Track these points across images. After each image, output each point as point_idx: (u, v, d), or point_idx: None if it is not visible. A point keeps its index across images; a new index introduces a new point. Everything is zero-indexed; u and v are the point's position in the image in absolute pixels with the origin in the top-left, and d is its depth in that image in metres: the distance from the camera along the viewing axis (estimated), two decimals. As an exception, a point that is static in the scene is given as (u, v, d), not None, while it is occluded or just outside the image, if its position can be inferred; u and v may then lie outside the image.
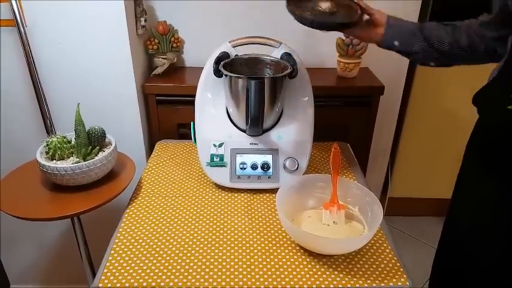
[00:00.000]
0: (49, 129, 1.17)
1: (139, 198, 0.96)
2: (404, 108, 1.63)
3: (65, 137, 0.96)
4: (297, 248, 0.81)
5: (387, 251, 0.80)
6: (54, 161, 0.95)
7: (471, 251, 0.83)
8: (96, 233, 1.25)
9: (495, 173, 0.76)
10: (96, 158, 0.93)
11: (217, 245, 0.81)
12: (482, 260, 0.81)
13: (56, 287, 1.59)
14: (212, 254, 0.79)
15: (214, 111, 1.01)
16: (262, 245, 0.81)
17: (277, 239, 0.83)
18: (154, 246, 0.81)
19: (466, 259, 0.85)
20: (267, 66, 1.01)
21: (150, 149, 1.32)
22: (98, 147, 0.97)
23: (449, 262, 0.92)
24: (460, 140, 0.91)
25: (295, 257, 0.78)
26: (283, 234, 0.84)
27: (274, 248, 0.81)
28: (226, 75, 0.91)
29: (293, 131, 0.98)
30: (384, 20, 0.86)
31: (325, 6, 0.82)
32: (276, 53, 0.99)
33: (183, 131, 1.32)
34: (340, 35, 1.27)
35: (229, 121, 1.00)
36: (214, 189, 0.99)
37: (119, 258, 0.78)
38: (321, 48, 1.36)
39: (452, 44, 0.82)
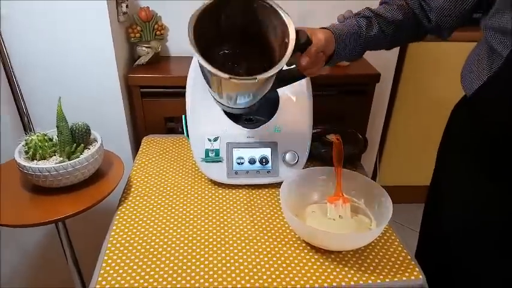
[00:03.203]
0: (27, 126, 1.08)
1: (130, 198, 0.90)
2: (393, 97, 1.63)
3: (45, 135, 0.88)
4: (303, 244, 0.77)
5: (395, 244, 0.78)
6: (35, 161, 0.87)
7: (458, 254, 0.81)
8: (82, 235, 1.18)
9: (491, 172, 0.72)
10: (82, 156, 0.86)
11: (219, 245, 0.77)
12: (469, 263, 0.79)
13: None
14: (214, 254, 0.74)
15: (207, 103, 0.95)
16: (267, 243, 0.78)
17: (282, 236, 0.79)
18: (151, 249, 0.75)
19: (451, 260, 0.83)
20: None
21: (136, 145, 1.25)
22: (82, 145, 0.90)
23: (432, 257, 0.89)
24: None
25: (302, 254, 0.75)
26: (288, 230, 0.81)
27: (280, 246, 0.77)
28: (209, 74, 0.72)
29: (292, 123, 0.94)
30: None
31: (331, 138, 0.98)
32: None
33: (171, 125, 1.26)
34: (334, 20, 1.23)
35: (224, 113, 0.95)
36: (210, 186, 0.94)
37: (110, 261, 0.72)
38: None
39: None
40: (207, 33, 0.69)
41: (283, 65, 0.68)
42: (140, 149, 1.11)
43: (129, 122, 1.24)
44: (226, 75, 0.63)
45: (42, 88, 1.12)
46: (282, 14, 0.69)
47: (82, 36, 1.07)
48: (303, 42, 0.70)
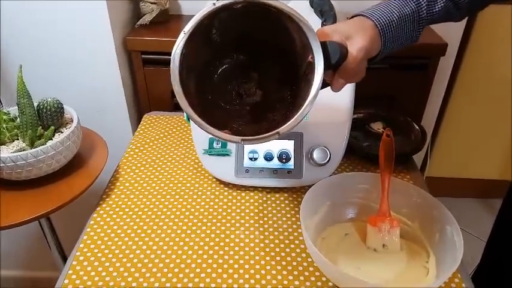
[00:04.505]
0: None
1: (113, 196, 0.71)
2: (454, 73, 1.33)
3: (6, 114, 0.70)
4: (330, 284, 0.56)
5: (465, 294, 0.54)
6: (-7, 145, 0.69)
7: None
8: (66, 222, 1.03)
9: None
10: (49, 143, 0.67)
11: (213, 274, 0.57)
12: None
13: (30, 273, 1.40)
14: (212, 284, 0.55)
15: (213, 77, 0.73)
16: (279, 276, 0.56)
17: (301, 268, 0.58)
18: (128, 263, 0.57)
19: None
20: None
21: (137, 123, 1.06)
22: (52, 128, 0.71)
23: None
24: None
25: (328, 299, 0.54)
26: (310, 259, 0.59)
27: (298, 283, 0.56)
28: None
29: (324, 107, 0.70)
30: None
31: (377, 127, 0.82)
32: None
33: (178, 100, 1.05)
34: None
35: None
36: (214, 185, 0.74)
37: (75, 276, 0.54)
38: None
39: None
40: (197, 63, 0.51)
41: (308, 112, 0.47)
42: (138, 129, 0.92)
43: (129, 96, 1.04)
44: (238, 139, 0.49)
45: (15, 53, 0.93)
46: (300, 23, 0.45)
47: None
48: (336, 62, 0.49)
